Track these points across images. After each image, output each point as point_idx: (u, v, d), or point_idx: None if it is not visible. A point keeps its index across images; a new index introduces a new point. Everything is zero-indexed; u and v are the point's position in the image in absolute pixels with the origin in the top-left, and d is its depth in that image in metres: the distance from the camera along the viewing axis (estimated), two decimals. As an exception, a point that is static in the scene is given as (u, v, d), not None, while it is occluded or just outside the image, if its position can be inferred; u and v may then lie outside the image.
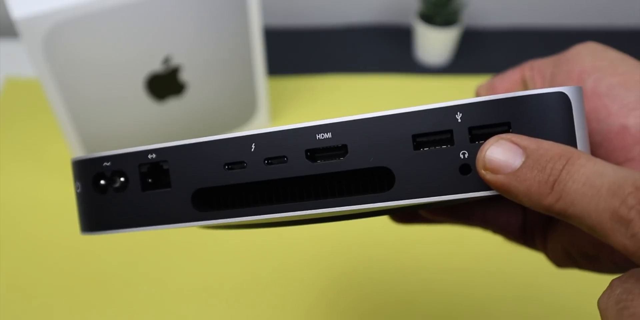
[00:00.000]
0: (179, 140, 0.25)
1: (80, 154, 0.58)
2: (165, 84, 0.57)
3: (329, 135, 0.23)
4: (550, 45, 0.79)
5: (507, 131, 0.22)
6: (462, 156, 0.22)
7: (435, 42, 0.73)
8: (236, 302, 0.53)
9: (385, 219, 0.37)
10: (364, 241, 0.57)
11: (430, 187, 0.22)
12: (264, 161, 0.24)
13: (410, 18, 0.81)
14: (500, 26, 0.82)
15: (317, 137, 0.23)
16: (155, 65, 0.55)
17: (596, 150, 0.26)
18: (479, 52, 0.78)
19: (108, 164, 0.26)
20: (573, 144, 0.22)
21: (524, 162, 0.20)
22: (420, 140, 0.22)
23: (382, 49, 0.78)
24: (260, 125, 0.67)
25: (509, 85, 0.31)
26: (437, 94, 0.71)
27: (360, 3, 0.82)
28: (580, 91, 0.22)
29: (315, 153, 0.23)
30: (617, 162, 0.25)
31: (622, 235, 0.18)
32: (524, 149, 0.21)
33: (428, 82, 0.73)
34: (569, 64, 0.27)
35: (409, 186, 0.22)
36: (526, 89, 0.30)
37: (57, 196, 0.61)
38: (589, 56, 0.27)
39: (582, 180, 0.19)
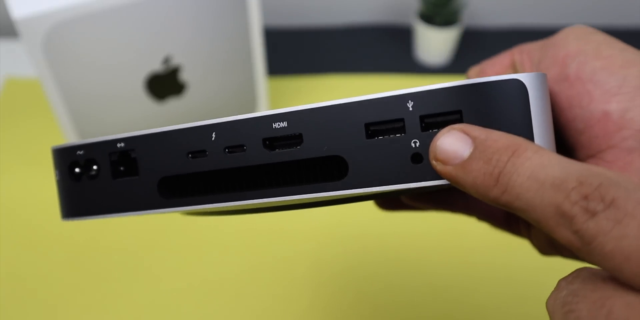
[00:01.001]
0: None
1: (80, 154, 0.58)
2: (165, 84, 0.57)
3: (284, 124, 0.23)
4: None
5: (459, 120, 0.21)
6: (413, 145, 0.22)
7: (435, 42, 0.73)
8: (235, 298, 0.53)
9: (384, 213, 0.37)
10: (363, 235, 0.57)
11: (383, 176, 0.22)
12: (224, 150, 0.24)
13: (410, 18, 0.81)
14: (500, 26, 0.82)
15: (274, 126, 0.23)
16: (155, 65, 0.55)
17: (579, 137, 0.26)
18: (479, 52, 0.78)
19: (81, 152, 0.27)
20: (529, 134, 0.21)
21: (471, 153, 0.20)
22: (373, 129, 0.22)
23: (382, 49, 0.78)
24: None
25: (498, 69, 0.30)
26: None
27: (360, 3, 0.82)
28: (542, 78, 0.22)
29: (272, 142, 0.24)
30: (600, 150, 0.25)
31: (566, 230, 0.18)
32: (473, 139, 0.20)
33: (428, 82, 0.73)
34: (555, 48, 0.27)
35: (362, 175, 0.22)
36: (515, 73, 0.30)
37: (57, 196, 0.61)
38: (575, 40, 0.26)
39: (526, 174, 0.19)
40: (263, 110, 0.65)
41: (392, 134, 0.22)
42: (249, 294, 0.54)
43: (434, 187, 0.22)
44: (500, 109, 0.21)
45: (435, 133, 0.21)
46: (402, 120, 0.22)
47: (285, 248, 0.57)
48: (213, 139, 0.24)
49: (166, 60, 0.55)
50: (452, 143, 0.20)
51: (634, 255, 0.17)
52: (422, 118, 0.22)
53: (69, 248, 0.57)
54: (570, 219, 0.18)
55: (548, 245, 0.29)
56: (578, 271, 0.19)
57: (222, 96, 0.61)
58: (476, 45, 0.79)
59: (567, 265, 0.31)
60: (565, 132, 0.26)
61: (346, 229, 0.58)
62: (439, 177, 0.21)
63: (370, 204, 0.49)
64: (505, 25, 0.83)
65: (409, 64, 0.76)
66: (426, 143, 0.21)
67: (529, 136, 0.21)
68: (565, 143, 0.27)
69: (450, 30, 0.72)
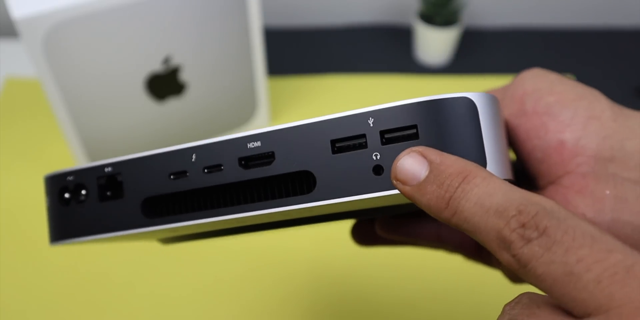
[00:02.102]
0: (166, 146, 0.28)
1: (80, 153, 0.58)
2: (165, 84, 0.57)
3: (258, 143, 0.25)
4: (550, 45, 0.79)
5: (415, 134, 0.23)
6: (375, 158, 0.23)
7: (435, 42, 0.73)
8: (234, 304, 0.53)
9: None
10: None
11: (347, 188, 0.24)
12: (204, 170, 0.26)
13: (410, 18, 0.81)
14: (500, 26, 0.82)
15: (248, 146, 0.25)
16: (156, 66, 0.55)
17: (539, 165, 0.28)
18: (479, 52, 0.78)
19: (71, 178, 0.29)
20: (481, 150, 0.23)
21: (426, 176, 0.22)
22: (338, 145, 0.24)
23: (382, 49, 0.78)
24: (260, 125, 0.67)
25: None
26: (437, 94, 0.71)
27: (360, 3, 0.82)
28: (492, 99, 0.24)
29: (247, 160, 0.25)
30: (557, 176, 0.27)
31: (506, 253, 0.20)
32: (429, 162, 0.22)
33: (428, 82, 0.73)
34: (513, 88, 0.29)
35: (329, 187, 0.24)
36: None
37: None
38: (531, 79, 0.29)
39: (473, 200, 0.21)
40: (263, 110, 0.65)
41: (355, 149, 0.24)
42: (247, 297, 0.54)
43: (393, 196, 0.23)
44: (452, 124, 0.23)
45: (394, 147, 0.23)
46: (364, 135, 0.23)
47: (286, 257, 0.57)
48: (193, 160, 0.26)
49: (166, 60, 0.55)
50: (411, 165, 0.22)
51: (560, 279, 0.19)
52: (382, 133, 0.23)
53: (68, 247, 0.57)
54: (509, 244, 0.20)
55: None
56: (520, 297, 0.21)
57: (222, 96, 0.61)
58: (476, 45, 0.79)
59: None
60: (527, 162, 0.28)
61: (345, 232, 0.58)
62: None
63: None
64: (505, 25, 0.83)
65: (409, 64, 0.76)
66: (386, 156, 0.23)
67: (480, 151, 0.23)
68: (528, 173, 0.29)
69: (450, 30, 0.72)
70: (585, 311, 0.18)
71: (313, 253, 0.56)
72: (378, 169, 0.23)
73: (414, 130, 0.23)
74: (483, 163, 0.23)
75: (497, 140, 0.24)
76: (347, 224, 0.58)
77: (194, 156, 0.26)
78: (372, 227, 0.36)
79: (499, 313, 0.21)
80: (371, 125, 0.23)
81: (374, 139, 0.23)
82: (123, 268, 0.56)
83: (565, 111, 0.27)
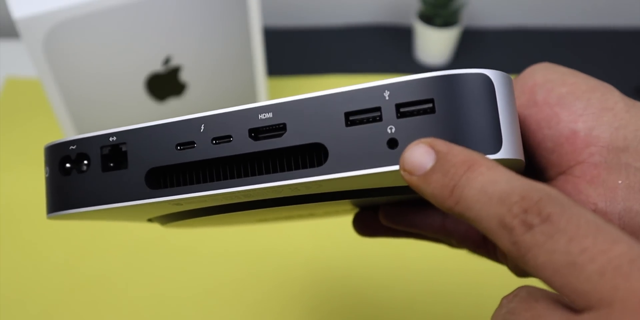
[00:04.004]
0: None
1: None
2: (165, 84, 0.57)
3: (269, 115, 0.24)
4: (550, 46, 0.79)
5: (431, 109, 0.23)
6: (389, 131, 0.23)
7: (435, 43, 0.73)
8: (235, 304, 0.53)
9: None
10: (364, 242, 0.57)
11: (361, 161, 0.23)
12: (212, 141, 0.25)
13: (410, 18, 0.81)
14: (500, 26, 0.82)
15: (260, 117, 0.25)
16: (156, 66, 0.55)
17: (549, 156, 0.28)
18: (479, 52, 0.78)
19: (73, 147, 0.27)
20: (497, 127, 0.23)
21: (433, 166, 0.22)
22: (352, 118, 0.24)
23: (382, 49, 0.78)
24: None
25: None
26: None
27: (360, 3, 0.82)
28: (508, 78, 0.23)
29: (257, 132, 0.25)
30: (569, 166, 0.27)
31: (507, 241, 0.20)
32: (436, 153, 0.22)
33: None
34: (523, 80, 0.29)
35: (341, 160, 0.23)
36: None
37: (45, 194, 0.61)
38: (541, 71, 0.29)
39: (477, 187, 0.21)
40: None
41: (369, 122, 0.23)
42: (247, 298, 0.54)
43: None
44: (469, 99, 0.23)
45: (410, 121, 0.23)
46: (379, 108, 0.23)
47: (286, 255, 0.57)
48: (202, 130, 0.25)
49: (166, 61, 0.55)
50: (418, 156, 0.22)
51: (562, 269, 0.19)
52: (397, 106, 0.23)
53: (68, 248, 0.57)
54: (511, 230, 0.20)
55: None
56: (518, 290, 0.21)
57: (222, 96, 0.61)
58: (476, 46, 0.79)
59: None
60: (536, 153, 0.28)
61: (346, 232, 0.58)
62: None
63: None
64: (505, 26, 0.83)
65: (409, 64, 0.76)
66: (401, 129, 0.23)
67: (496, 128, 0.23)
68: (536, 164, 0.29)
69: (450, 30, 0.72)
70: (587, 304, 0.18)
71: (313, 254, 0.56)
72: (392, 143, 0.23)
73: (431, 105, 0.23)
74: (499, 141, 0.23)
75: (512, 119, 0.23)
76: (347, 224, 0.58)
77: (202, 127, 0.25)
78: (375, 217, 0.36)
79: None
80: (387, 98, 0.23)
81: (389, 112, 0.23)
82: (123, 269, 0.56)
83: (577, 102, 0.27)
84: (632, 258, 0.18)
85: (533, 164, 0.29)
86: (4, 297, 0.54)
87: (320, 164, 0.24)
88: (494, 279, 0.54)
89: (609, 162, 0.26)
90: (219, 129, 0.25)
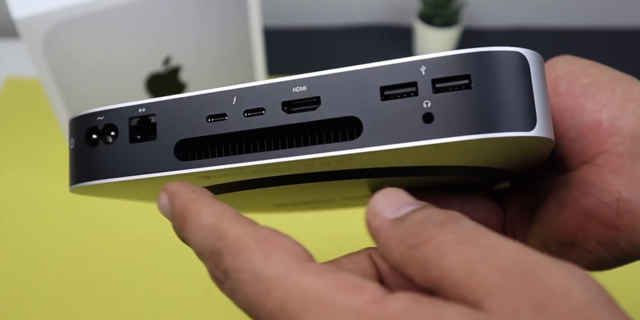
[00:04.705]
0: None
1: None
2: (165, 84, 0.57)
3: (304, 88, 0.25)
4: (549, 46, 0.79)
5: (467, 85, 0.23)
6: (425, 106, 0.23)
7: (435, 43, 0.73)
8: (233, 305, 0.53)
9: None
10: (364, 241, 0.57)
11: (395, 135, 0.23)
12: (244, 113, 0.25)
13: (411, 18, 0.81)
14: (500, 26, 0.82)
15: (293, 90, 0.25)
16: (156, 66, 0.55)
17: (572, 146, 0.28)
18: (479, 52, 0.78)
19: (101, 117, 0.27)
20: (531, 106, 0.23)
21: (169, 215, 0.23)
22: (387, 93, 0.24)
23: (382, 49, 0.78)
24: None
25: None
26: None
27: (360, 3, 0.82)
28: (540, 58, 0.24)
29: (290, 105, 0.25)
30: (592, 156, 0.27)
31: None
32: (168, 201, 0.23)
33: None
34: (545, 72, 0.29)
35: (376, 134, 0.24)
36: None
37: (57, 196, 0.61)
38: (563, 63, 0.29)
39: (192, 233, 0.22)
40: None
41: (404, 96, 0.23)
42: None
43: (442, 145, 0.23)
44: (505, 77, 0.23)
45: (446, 96, 0.23)
46: (415, 83, 0.23)
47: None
48: (234, 102, 0.25)
49: (166, 61, 0.55)
50: (163, 202, 0.24)
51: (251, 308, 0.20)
52: (433, 82, 0.23)
53: (68, 248, 0.57)
54: (217, 282, 0.21)
55: (544, 252, 0.30)
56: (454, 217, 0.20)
57: (222, 96, 0.61)
58: (476, 46, 0.79)
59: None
60: (558, 143, 0.28)
61: (348, 230, 0.58)
62: (447, 136, 0.23)
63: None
64: (505, 26, 0.83)
65: (409, 64, 0.76)
66: (437, 104, 0.23)
67: (531, 107, 0.23)
68: (558, 154, 0.29)
69: (450, 30, 0.72)
70: None
71: (315, 252, 0.56)
72: (428, 117, 0.23)
73: (467, 81, 0.23)
74: (533, 118, 0.23)
75: (545, 98, 0.24)
76: (348, 224, 0.58)
77: (234, 99, 0.25)
78: None
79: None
80: (423, 73, 0.23)
81: (425, 87, 0.23)
82: (124, 268, 0.56)
83: (601, 92, 0.27)
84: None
85: (554, 155, 0.29)
86: (4, 297, 0.54)
87: (353, 137, 0.24)
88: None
89: (632, 151, 0.26)
90: (252, 102, 0.25)
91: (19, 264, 0.56)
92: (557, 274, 0.18)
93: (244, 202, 0.35)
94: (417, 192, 0.33)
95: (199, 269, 0.56)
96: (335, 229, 0.58)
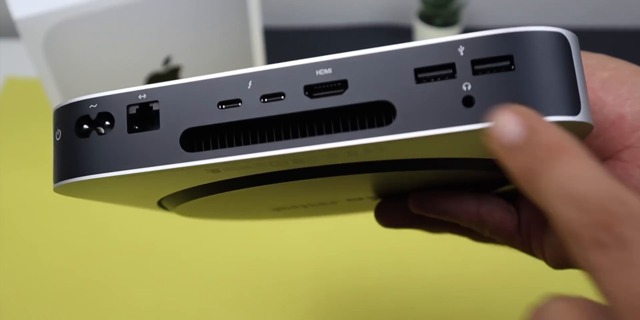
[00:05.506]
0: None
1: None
2: (165, 84, 0.57)
3: (329, 70, 0.22)
4: (550, 46, 0.79)
5: (509, 66, 0.21)
6: (465, 88, 0.21)
7: (435, 43, 0.73)
8: (235, 306, 0.53)
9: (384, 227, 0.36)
10: (363, 246, 0.57)
11: (433, 120, 0.21)
12: (261, 99, 0.23)
13: (411, 18, 0.81)
14: (500, 26, 0.82)
15: (317, 73, 0.22)
16: (156, 66, 0.55)
17: (593, 141, 0.26)
18: (479, 52, 0.78)
19: (94, 105, 0.24)
20: (574, 88, 0.21)
21: (519, 142, 0.20)
22: (421, 75, 0.22)
23: (382, 49, 0.78)
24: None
25: None
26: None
27: (360, 3, 0.82)
28: (577, 40, 0.23)
29: (313, 89, 0.23)
30: (615, 151, 0.26)
31: (574, 250, 0.18)
32: (529, 128, 0.20)
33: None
34: None
35: (411, 120, 0.21)
36: None
37: (57, 197, 0.61)
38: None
39: (556, 179, 0.19)
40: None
41: (441, 79, 0.22)
42: (247, 300, 0.54)
43: (484, 130, 0.21)
44: (548, 58, 0.21)
45: (488, 78, 0.21)
46: (452, 65, 0.22)
47: (286, 258, 0.57)
48: (249, 87, 0.23)
49: (166, 61, 0.55)
50: (508, 125, 0.20)
51: (624, 307, 0.17)
52: (473, 63, 0.21)
53: (67, 250, 0.57)
54: (579, 242, 0.18)
55: (561, 254, 0.29)
56: (551, 302, 0.18)
57: (222, 96, 0.61)
58: (476, 46, 0.79)
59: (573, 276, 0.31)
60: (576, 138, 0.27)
61: (347, 234, 0.58)
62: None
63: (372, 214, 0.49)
64: (505, 26, 0.83)
65: (409, 64, 0.76)
66: (478, 86, 0.21)
67: (574, 89, 0.21)
68: None
69: (450, 30, 0.72)
70: None
71: (313, 255, 0.56)
72: (469, 101, 0.21)
73: (508, 62, 0.21)
74: (577, 103, 0.21)
75: (584, 82, 0.22)
76: (348, 223, 0.58)
77: (250, 83, 0.23)
78: (399, 207, 0.34)
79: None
80: (461, 54, 0.21)
81: (464, 69, 0.21)
82: (123, 271, 0.56)
83: (622, 86, 0.26)
84: None
85: None
86: (3, 299, 0.54)
87: (384, 124, 0.22)
88: (496, 282, 0.54)
89: None
90: (270, 86, 0.23)
91: (18, 264, 0.56)
92: None
93: (239, 206, 0.32)
94: (429, 192, 0.32)
95: (197, 272, 0.56)
96: (339, 232, 0.58)
